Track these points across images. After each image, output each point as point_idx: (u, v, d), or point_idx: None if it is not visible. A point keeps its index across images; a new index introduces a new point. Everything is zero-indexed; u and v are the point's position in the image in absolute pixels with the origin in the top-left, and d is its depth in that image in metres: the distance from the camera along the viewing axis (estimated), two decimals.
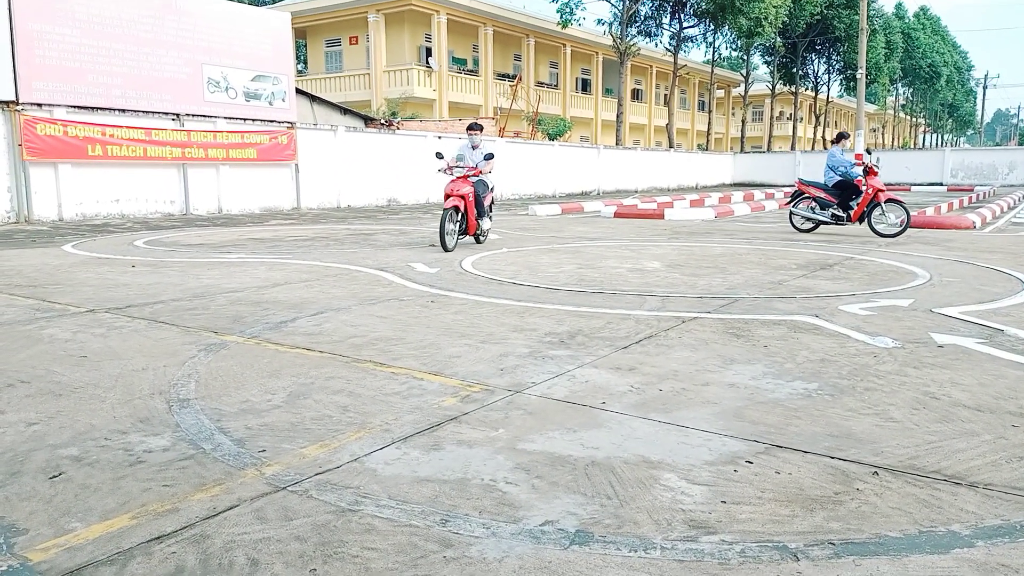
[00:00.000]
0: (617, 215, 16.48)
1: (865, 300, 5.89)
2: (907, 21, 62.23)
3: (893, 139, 79.78)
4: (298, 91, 22.28)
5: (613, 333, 4.74)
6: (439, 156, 9.65)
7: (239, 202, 17.97)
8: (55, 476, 2.56)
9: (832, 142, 12.29)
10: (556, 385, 3.61)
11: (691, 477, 2.55)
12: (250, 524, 2.20)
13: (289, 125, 18.76)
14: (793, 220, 12.34)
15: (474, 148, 9.92)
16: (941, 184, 36.23)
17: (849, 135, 13.04)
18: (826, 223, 11.90)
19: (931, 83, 69.59)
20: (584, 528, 2.18)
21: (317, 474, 2.56)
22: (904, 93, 72.58)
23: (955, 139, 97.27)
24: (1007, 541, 2.10)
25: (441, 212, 9.44)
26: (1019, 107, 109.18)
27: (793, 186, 13.21)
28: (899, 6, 62.63)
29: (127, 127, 15.45)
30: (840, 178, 11.66)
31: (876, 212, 11.41)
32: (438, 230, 9.46)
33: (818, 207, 11.87)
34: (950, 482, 2.50)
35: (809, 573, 1.95)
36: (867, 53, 35.27)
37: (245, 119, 17.84)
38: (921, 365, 3.95)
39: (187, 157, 16.59)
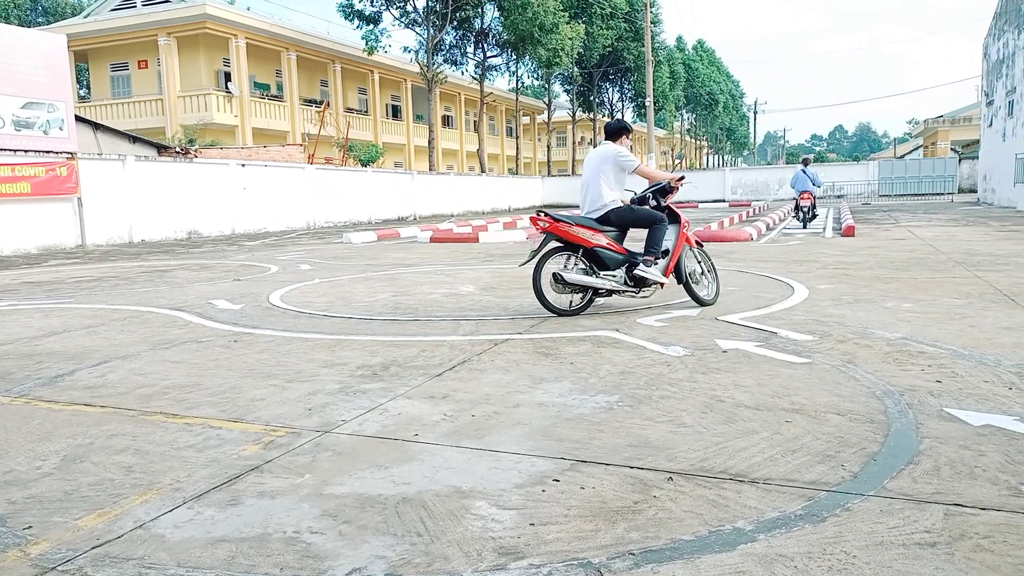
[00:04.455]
0: (433, 240, 16.56)
1: (659, 312, 6.30)
2: (687, 53, 68.32)
3: (682, 161, 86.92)
4: (79, 119, 20.39)
5: (427, 361, 4.71)
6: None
7: (11, 242, 16.06)
8: None
9: (805, 163, 18.14)
10: (368, 421, 3.51)
11: (501, 503, 2.56)
12: None
13: (69, 156, 17.07)
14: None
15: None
16: (724, 200, 40.03)
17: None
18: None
19: (710, 109, 76.87)
20: (393, 571, 2.12)
21: (94, 548, 2.29)
22: (689, 118, 79.40)
23: (734, 159, 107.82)
24: (783, 532, 2.29)
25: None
26: (784, 129, 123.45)
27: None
28: (680, 39, 68.60)
29: None
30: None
31: None
32: None
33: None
34: (735, 480, 2.70)
35: None
36: (654, 82, 38.29)
37: (16, 150, 16.01)
38: (708, 371, 4.27)
39: None
